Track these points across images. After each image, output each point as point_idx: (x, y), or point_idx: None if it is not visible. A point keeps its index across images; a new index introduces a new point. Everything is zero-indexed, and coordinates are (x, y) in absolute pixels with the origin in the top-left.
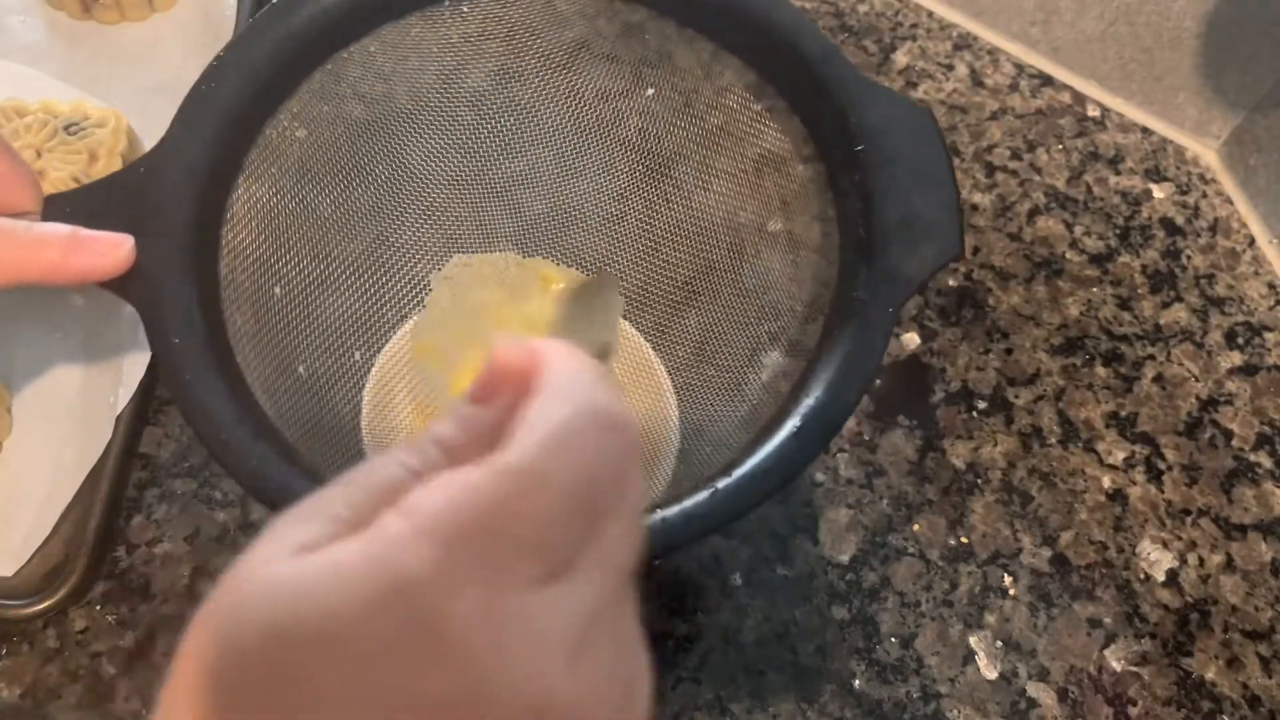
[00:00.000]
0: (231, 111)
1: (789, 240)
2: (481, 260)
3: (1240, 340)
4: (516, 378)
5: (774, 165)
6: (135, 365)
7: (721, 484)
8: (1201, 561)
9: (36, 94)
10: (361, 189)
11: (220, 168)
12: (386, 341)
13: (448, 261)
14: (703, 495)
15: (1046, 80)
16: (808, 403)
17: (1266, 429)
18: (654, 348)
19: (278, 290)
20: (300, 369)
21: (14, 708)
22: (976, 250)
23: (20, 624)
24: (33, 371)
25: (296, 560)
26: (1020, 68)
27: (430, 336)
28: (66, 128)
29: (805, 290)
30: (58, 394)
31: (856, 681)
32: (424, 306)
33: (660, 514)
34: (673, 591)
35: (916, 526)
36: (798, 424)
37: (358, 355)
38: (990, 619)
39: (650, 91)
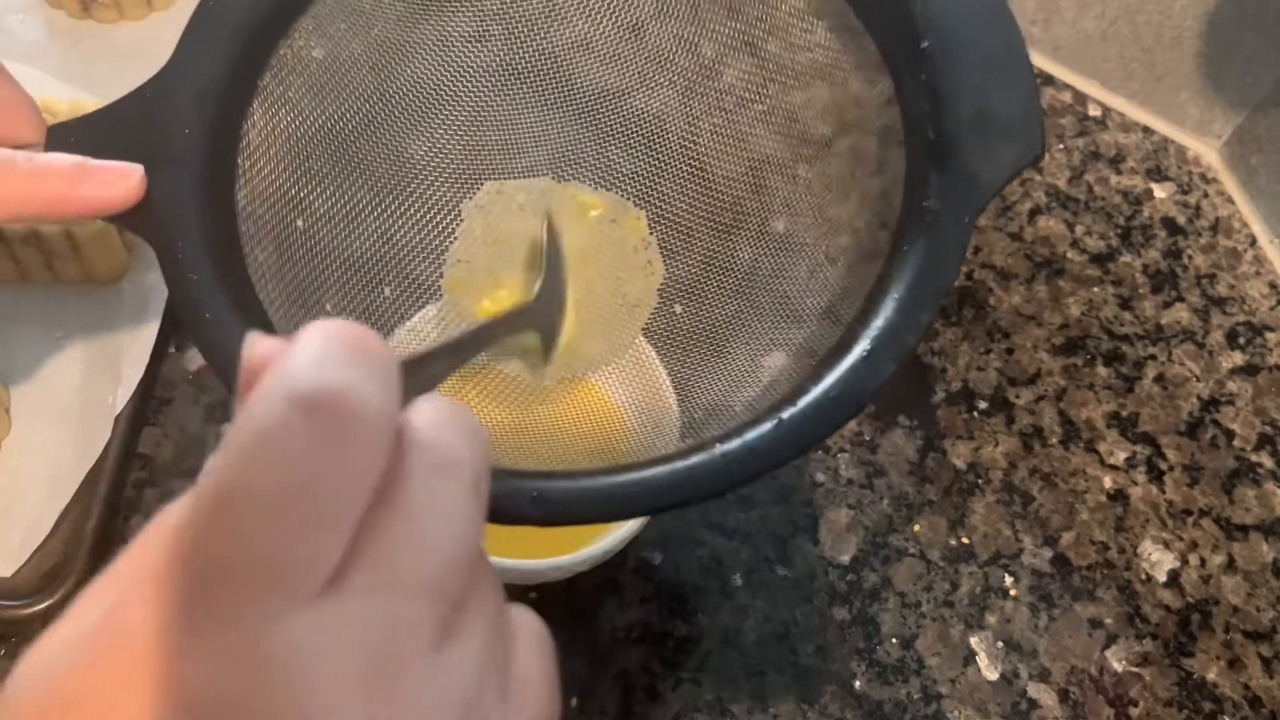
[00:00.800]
0: (241, 30)
1: (849, 151)
2: (515, 187)
3: (1241, 340)
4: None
5: (829, 69)
6: (134, 365)
7: (786, 414)
8: (1203, 562)
9: (35, 93)
10: (386, 113)
11: (232, 91)
12: (418, 274)
13: (479, 189)
14: (767, 426)
15: (1047, 80)
16: (878, 324)
17: (1268, 429)
18: (702, 277)
19: (300, 222)
20: (328, 306)
21: None
22: (977, 250)
23: (19, 624)
24: (32, 371)
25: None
26: None
27: (463, 269)
28: None
29: (869, 204)
30: (57, 394)
31: (857, 682)
32: (457, 237)
33: (720, 449)
34: (673, 592)
35: (917, 527)
36: (868, 347)
37: (388, 290)
38: (991, 620)
39: None
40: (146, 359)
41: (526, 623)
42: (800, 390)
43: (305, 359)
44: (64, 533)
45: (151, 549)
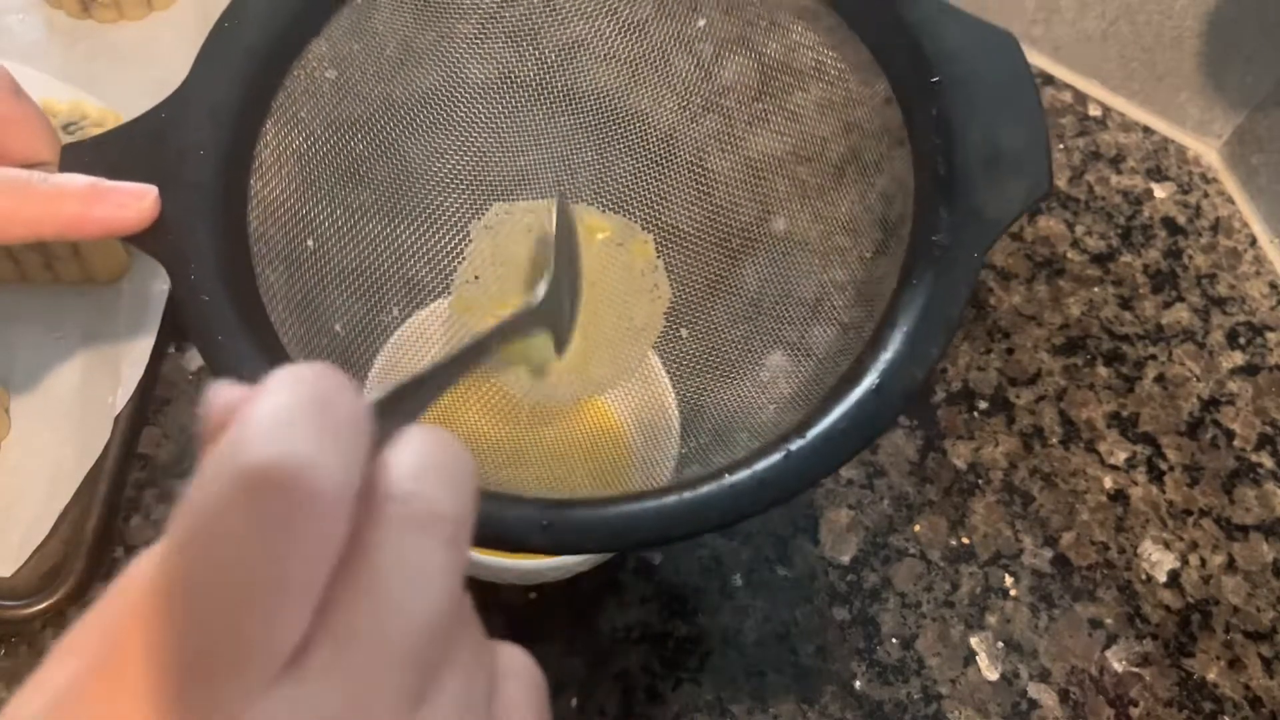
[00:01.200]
0: (256, 51)
1: (858, 182)
2: (523, 208)
3: (1242, 340)
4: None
5: (840, 100)
6: (134, 366)
7: (795, 445)
8: (1203, 562)
9: (34, 93)
10: (397, 135)
11: (246, 112)
12: (426, 295)
13: (488, 210)
14: (776, 457)
15: (1048, 80)
16: (886, 357)
17: (1268, 429)
18: (708, 299)
19: (310, 243)
20: (337, 327)
21: None
22: None
23: (18, 624)
24: (32, 372)
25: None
26: None
27: (470, 289)
28: (65, 127)
29: (878, 236)
30: (56, 394)
31: (857, 682)
32: (465, 258)
33: (729, 479)
34: (673, 592)
35: (917, 527)
36: (876, 380)
37: (396, 311)
38: (991, 620)
39: (702, 23)
40: (146, 359)
41: (513, 661)
42: (809, 422)
43: (261, 423)
44: (64, 533)
45: (107, 629)
